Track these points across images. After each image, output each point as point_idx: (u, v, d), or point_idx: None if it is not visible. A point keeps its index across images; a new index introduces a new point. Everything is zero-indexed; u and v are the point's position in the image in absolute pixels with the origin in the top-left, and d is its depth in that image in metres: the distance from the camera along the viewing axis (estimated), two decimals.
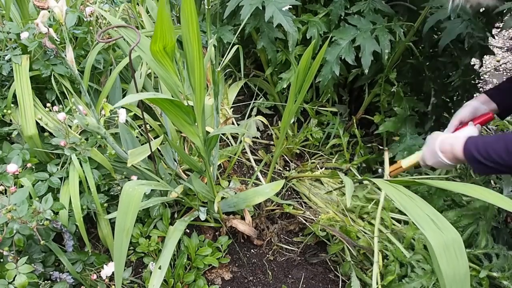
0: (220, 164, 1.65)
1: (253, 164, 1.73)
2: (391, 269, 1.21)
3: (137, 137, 1.36)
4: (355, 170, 1.66)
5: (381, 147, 1.80)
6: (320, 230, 1.41)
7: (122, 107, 1.27)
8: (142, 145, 1.24)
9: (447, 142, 1.03)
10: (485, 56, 1.52)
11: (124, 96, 1.54)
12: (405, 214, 1.36)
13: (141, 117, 1.19)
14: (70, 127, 1.21)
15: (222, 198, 1.39)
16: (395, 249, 1.24)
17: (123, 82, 1.57)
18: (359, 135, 1.72)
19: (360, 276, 1.28)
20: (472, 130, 1.10)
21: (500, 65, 3.07)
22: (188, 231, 1.45)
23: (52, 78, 1.29)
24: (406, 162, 1.30)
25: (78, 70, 1.17)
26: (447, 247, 0.68)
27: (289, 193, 1.67)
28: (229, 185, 1.50)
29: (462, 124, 1.18)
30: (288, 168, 1.78)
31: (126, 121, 1.27)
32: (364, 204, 1.41)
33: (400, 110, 1.56)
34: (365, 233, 1.34)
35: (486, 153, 0.92)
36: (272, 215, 1.56)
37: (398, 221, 1.37)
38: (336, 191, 1.55)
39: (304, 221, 1.50)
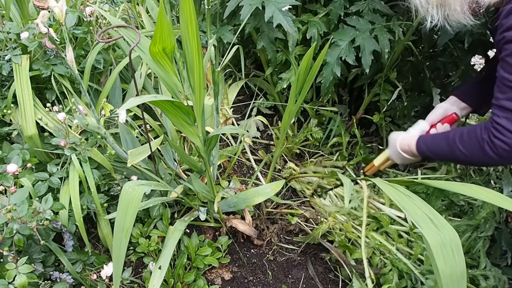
0: (220, 164, 1.65)
1: (253, 164, 1.73)
2: (389, 278, 1.21)
3: (137, 137, 1.36)
4: (351, 170, 1.66)
5: (381, 147, 1.81)
6: (319, 238, 1.41)
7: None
8: (142, 145, 1.24)
9: (405, 143, 1.21)
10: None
11: (124, 96, 1.54)
12: (401, 225, 1.37)
13: (141, 117, 1.19)
14: (70, 127, 1.21)
15: (222, 198, 1.39)
16: (394, 259, 1.24)
17: (123, 82, 1.57)
18: (359, 135, 1.72)
19: (358, 281, 1.28)
20: (422, 125, 1.26)
21: None
22: (188, 231, 1.45)
23: (52, 78, 1.30)
24: (378, 161, 1.39)
25: (78, 70, 1.17)
26: (444, 245, 0.69)
27: (290, 192, 1.67)
28: (229, 185, 1.50)
29: (431, 125, 1.28)
30: (288, 168, 1.78)
31: (126, 121, 1.27)
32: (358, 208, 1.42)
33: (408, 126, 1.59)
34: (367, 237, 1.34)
35: (433, 149, 1.11)
36: (272, 215, 1.56)
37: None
38: (338, 189, 1.56)
39: (304, 226, 1.50)
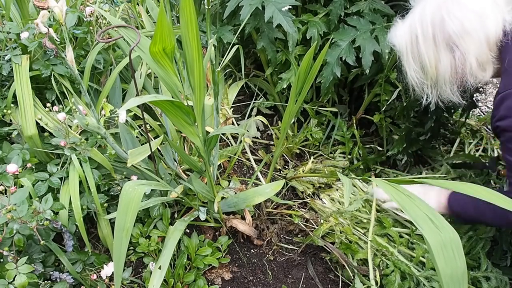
0: (220, 164, 1.65)
1: (253, 164, 1.73)
2: (391, 279, 1.21)
3: (137, 137, 1.36)
4: (353, 173, 1.66)
5: (380, 148, 1.81)
6: (320, 238, 1.41)
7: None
8: (142, 145, 1.24)
9: (441, 207, 1.20)
10: None
11: (124, 96, 1.54)
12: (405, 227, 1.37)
13: (141, 117, 1.19)
14: (70, 127, 1.21)
15: (222, 198, 1.39)
16: (396, 260, 1.24)
17: (123, 82, 1.57)
18: (358, 135, 1.72)
19: (362, 281, 1.28)
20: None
21: None
22: (188, 231, 1.45)
23: (52, 78, 1.30)
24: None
25: (78, 70, 1.17)
26: (445, 246, 0.68)
27: (290, 192, 1.67)
28: (229, 185, 1.50)
29: None
30: (288, 168, 1.78)
31: (126, 121, 1.27)
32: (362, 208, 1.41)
33: (406, 127, 1.59)
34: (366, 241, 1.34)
35: (463, 209, 1.15)
36: (272, 215, 1.56)
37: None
38: (339, 192, 1.55)
39: (304, 226, 1.50)
